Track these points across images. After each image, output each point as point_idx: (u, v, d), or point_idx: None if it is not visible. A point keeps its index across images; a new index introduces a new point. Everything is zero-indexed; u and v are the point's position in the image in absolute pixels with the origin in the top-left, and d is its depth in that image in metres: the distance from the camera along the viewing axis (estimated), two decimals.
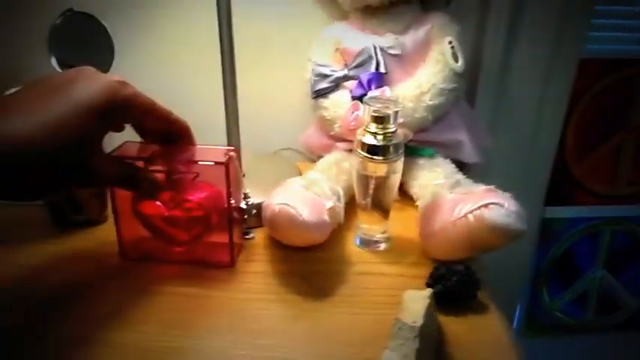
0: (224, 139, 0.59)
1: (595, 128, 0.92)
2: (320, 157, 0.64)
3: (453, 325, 0.43)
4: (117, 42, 0.53)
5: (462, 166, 0.59)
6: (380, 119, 0.47)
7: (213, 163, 0.46)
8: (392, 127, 0.48)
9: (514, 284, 0.96)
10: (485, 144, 0.64)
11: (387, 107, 0.47)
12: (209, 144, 0.48)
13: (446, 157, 0.60)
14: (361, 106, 0.57)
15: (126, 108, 0.40)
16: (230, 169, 0.46)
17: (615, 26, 0.85)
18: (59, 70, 0.51)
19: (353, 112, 0.58)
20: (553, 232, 0.98)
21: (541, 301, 1.04)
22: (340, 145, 0.62)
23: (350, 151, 0.59)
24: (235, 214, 0.50)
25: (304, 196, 0.49)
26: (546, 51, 0.73)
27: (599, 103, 0.90)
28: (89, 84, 0.38)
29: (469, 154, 0.61)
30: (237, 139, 0.59)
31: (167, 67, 0.71)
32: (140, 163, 0.45)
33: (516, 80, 0.74)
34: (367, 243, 0.54)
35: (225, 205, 0.48)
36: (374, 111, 0.47)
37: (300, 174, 0.62)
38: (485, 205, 0.45)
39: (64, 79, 0.38)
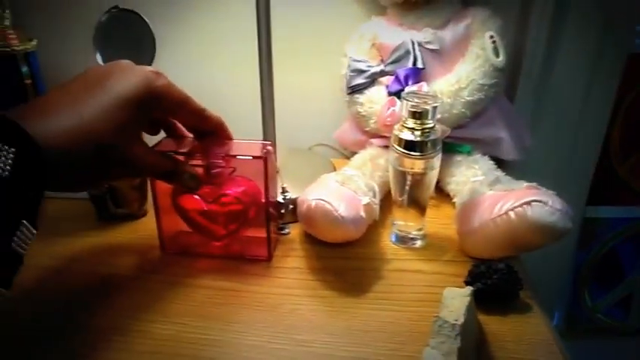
0: (259, 134, 0.59)
1: None
2: (354, 153, 0.63)
3: (495, 325, 0.42)
4: (157, 37, 0.53)
5: (499, 163, 0.58)
6: (418, 114, 0.47)
7: (252, 158, 0.46)
8: (430, 123, 0.47)
9: (554, 286, 0.93)
10: (525, 143, 0.63)
11: (426, 102, 0.46)
12: (245, 138, 0.49)
13: (484, 153, 0.59)
14: (397, 101, 0.56)
15: (161, 98, 0.40)
16: (268, 163, 0.46)
17: None
18: None
19: (389, 108, 0.57)
20: (595, 232, 0.94)
21: (582, 304, 1.00)
22: (375, 141, 0.62)
23: (385, 147, 0.59)
24: (271, 209, 0.50)
25: (340, 191, 0.49)
26: (592, 46, 0.70)
27: None
28: (125, 75, 0.38)
29: (508, 151, 0.60)
30: (272, 135, 0.59)
31: (206, 62, 0.72)
32: (181, 158, 0.46)
33: (559, 76, 0.72)
34: (403, 240, 0.53)
35: (263, 199, 0.48)
36: (412, 106, 0.47)
37: (335, 170, 0.62)
38: (528, 203, 0.44)
39: (100, 73, 0.39)
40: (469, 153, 0.59)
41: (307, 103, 0.74)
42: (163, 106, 0.41)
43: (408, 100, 0.47)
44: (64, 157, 0.35)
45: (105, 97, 0.37)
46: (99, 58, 0.52)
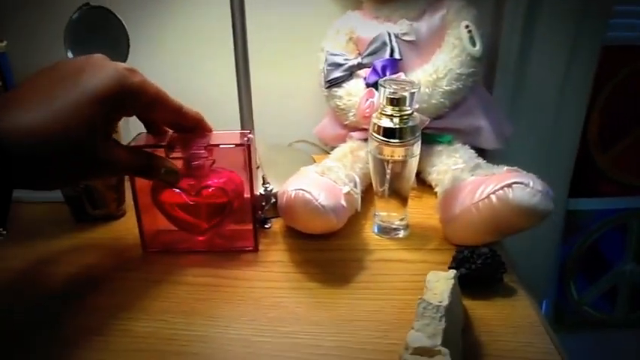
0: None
1: (619, 117, 0.89)
2: (334, 148, 0.63)
3: (480, 310, 0.42)
4: (132, 36, 0.53)
5: (480, 154, 0.58)
6: (396, 101, 0.46)
7: (234, 146, 0.46)
8: (408, 110, 0.47)
9: (540, 279, 0.93)
10: (505, 132, 0.63)
11: (404, 89, 0.46)
12: (224, 129, 0.48)
13: (464, 143, 0.59)
14: (376, 93, 0.56)
15: (135, 95, 0.39)
16: (251, 150, 0.46)
17: (639, 13, 0.82)
18: None
19: (367, 100, 0.57)
20: (578, 224, 0.95)
21: (569, 296, 1.01)
22: (355, 134, 0.61)
23: (365, 140, 0.58)
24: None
25: (320, 181, 0.49)
26: (567, 37, 0.71)
27: (623, 91, 0.87)
28: (98, 71, 0.37)
29: (488, 140, 0.60)
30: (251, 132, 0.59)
31: (181, 60, 0.72)
32: (161, 151, 0.45)
33: (536, 67, 0.72)
34: (386, 230, 0.53)
35: (247, 188, 0.47)
36: (390, 93, 0.46)
37: None
38: (509, 185, 0.44)
39: (72, 67, 0.38)
40: (450, 143, 0.59)
41: (286, 100, 0.74)
42: (139, 104, 0.41)
43: (385, 87, 0.47)
44: (32, 154, 0.34)
45: (75, 93, 0.36)
46: (70, 57, 0.51)
